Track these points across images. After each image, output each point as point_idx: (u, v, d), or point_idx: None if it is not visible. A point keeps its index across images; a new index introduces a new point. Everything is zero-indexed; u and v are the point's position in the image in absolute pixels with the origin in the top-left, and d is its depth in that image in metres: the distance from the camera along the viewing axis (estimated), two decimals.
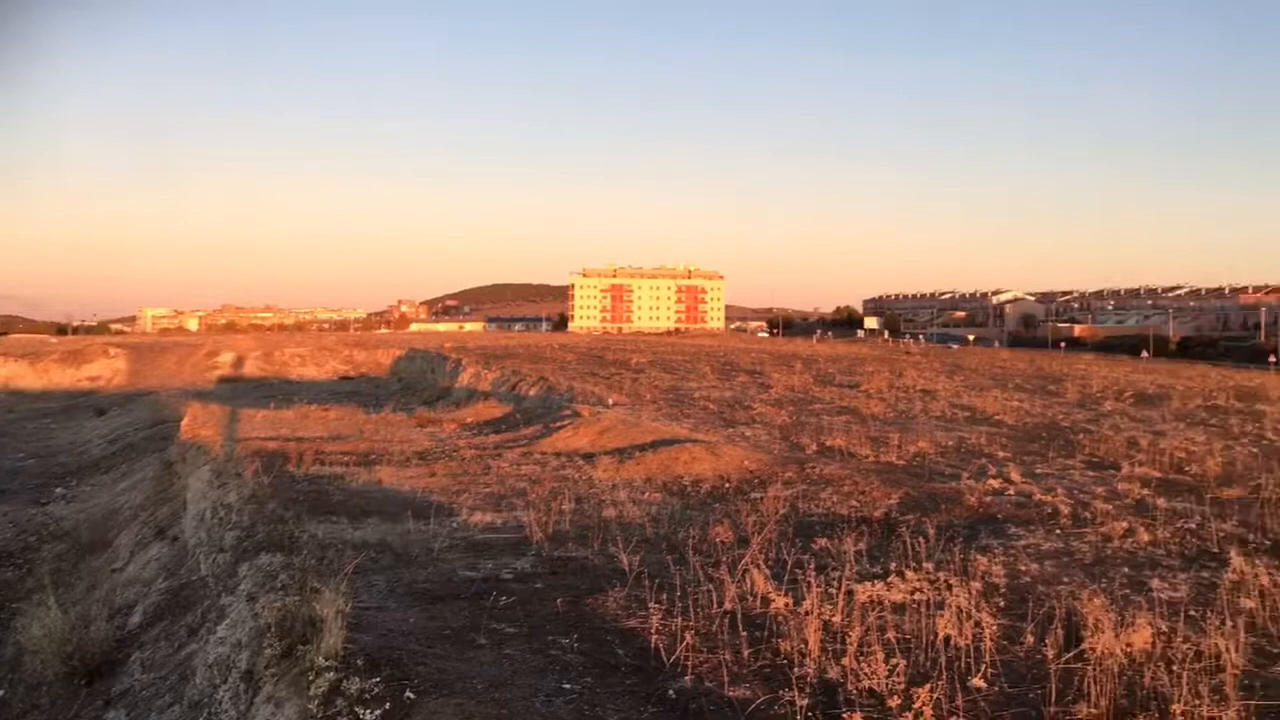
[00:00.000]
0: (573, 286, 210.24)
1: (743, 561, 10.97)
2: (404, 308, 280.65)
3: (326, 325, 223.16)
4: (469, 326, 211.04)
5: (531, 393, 42.36)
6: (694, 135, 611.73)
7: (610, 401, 34.00)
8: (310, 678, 7.57)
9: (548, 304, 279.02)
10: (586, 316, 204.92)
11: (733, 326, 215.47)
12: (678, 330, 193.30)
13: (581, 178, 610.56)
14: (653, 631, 8.86)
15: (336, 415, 36.84)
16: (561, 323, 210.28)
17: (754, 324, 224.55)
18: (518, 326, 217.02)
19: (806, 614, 9.07)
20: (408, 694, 7.17)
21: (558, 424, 27.15)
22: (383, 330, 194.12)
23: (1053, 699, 7.50)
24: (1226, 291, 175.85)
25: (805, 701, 7.26)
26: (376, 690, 7.21)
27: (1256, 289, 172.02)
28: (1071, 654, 8.35)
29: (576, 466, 20.40)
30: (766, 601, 9.88)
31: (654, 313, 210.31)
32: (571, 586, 10.83)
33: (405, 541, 13.10)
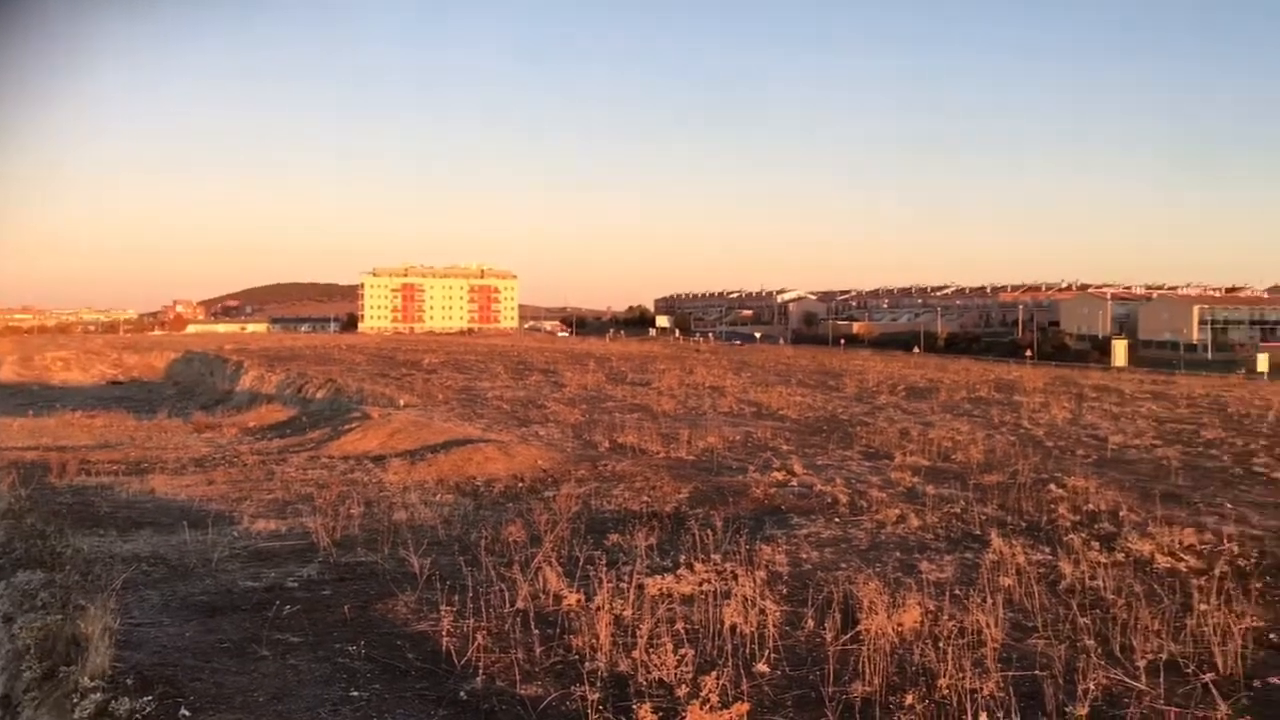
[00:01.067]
0: (362, 286, 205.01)
1: (535, 560, 10.99)
2: (180, 308, 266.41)
3: (93, 327, 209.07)
4: (252, 328, 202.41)
5: (319, 395, 41.10)
6: (487, 132, 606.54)
7: (401, 403, 33.36)
8: (75, 700, 7.10)
9: (336, 304, 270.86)
10: (377, 317, 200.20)
11: (526, 326, 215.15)
12: (471, 330, 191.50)
13: (371, 174, 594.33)
14: (444, 634, 8.75)
15: (104, 422, 34.70)
16: (351, 323, 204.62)
17: (549, 323, 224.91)
18: (304, 328, 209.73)
19: (598, 609, 9.15)
20: (183, 711, 6.83)
21: (346, 426, 26.45)
22: (156, 332, 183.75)
23: (830, 679, 7.84)
24: (989, 290, 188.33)
25: (596, 696, 7.33)
26: (148, 709, 6.84)
27: (1014, 288, 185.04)
28: (848, 636, 8.75)
29: (366, 469, 19.92)
30: (559, 599, 9.92)
31: (447, 312, 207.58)
32: (360, 592, 10.57)
33: (181, 553, 12.47)
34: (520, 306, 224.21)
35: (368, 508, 15.53)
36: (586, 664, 8.03)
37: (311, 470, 20.14)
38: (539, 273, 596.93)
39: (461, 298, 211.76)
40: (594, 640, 8.47)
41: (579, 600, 9.76)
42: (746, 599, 9.52)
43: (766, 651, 8.47)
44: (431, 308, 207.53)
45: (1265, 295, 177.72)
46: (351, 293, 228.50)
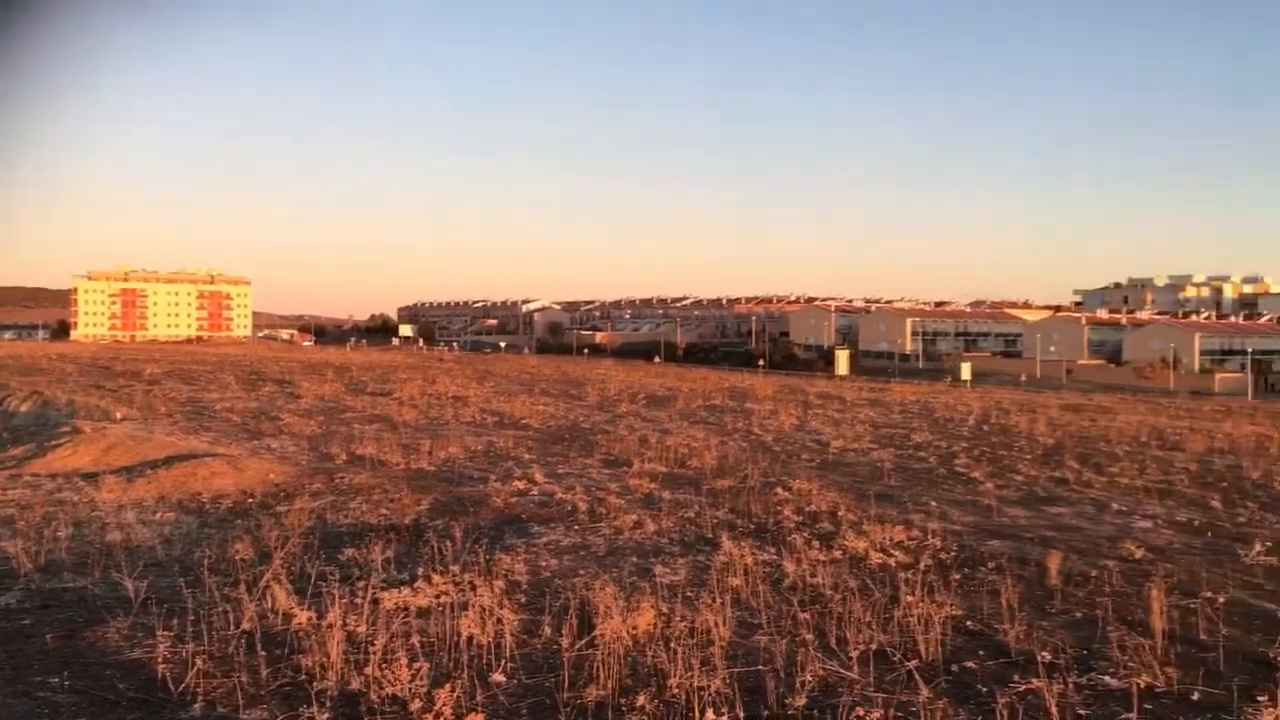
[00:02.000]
0: (76, 291, 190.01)
1: (264, 578, 10.54)
2: None
3: None
4: None
5: (22, 408, 37.78)
6: (215, 129, 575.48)
7: (118, 416, 31.18)
8: None
9: (45, 310, 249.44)
10: (93, 324, 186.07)
11: (261, 335, 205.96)
12: (200, 339, 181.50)
13: (84, 168, 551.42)
14: (160, 661, 8.25)
15: None
16: (62, 331, 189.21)
17: (286, 332, 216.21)
18: (7, 335, 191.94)
19: (330, 627, 8.89)
20: None
21: (54, 442, 24.43)
22: None
23: (565, 685, 7.94)
24: (724, 302, 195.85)
25: (326, 716, 7.14)
26: None
27: (748, 300, 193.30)
28: (584, 641, 8.89)
29: (77, 488, 18.48)
30: (289, 618, 9.55)
31: (172, 320, 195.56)
32: (66, 620, 9.80)
33: None
34: (255, 314, 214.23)
35: (77, 529, 14.43)
36: (316, 684, 7.79)
37: (12, 490, 18.47)
38: (275, 279, 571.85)
39: (189, 304, 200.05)
40: (325, 659, 8.22)
41: (310, 618, 9.43)
42: (484, 609, 9.50)
43: (503, 661, 8.48)
44: (155, 315, 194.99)
45: (968, 309, 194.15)
46: (63, 298, 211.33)
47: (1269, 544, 14.43)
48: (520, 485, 18.30)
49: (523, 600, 10.55)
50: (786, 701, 7.74)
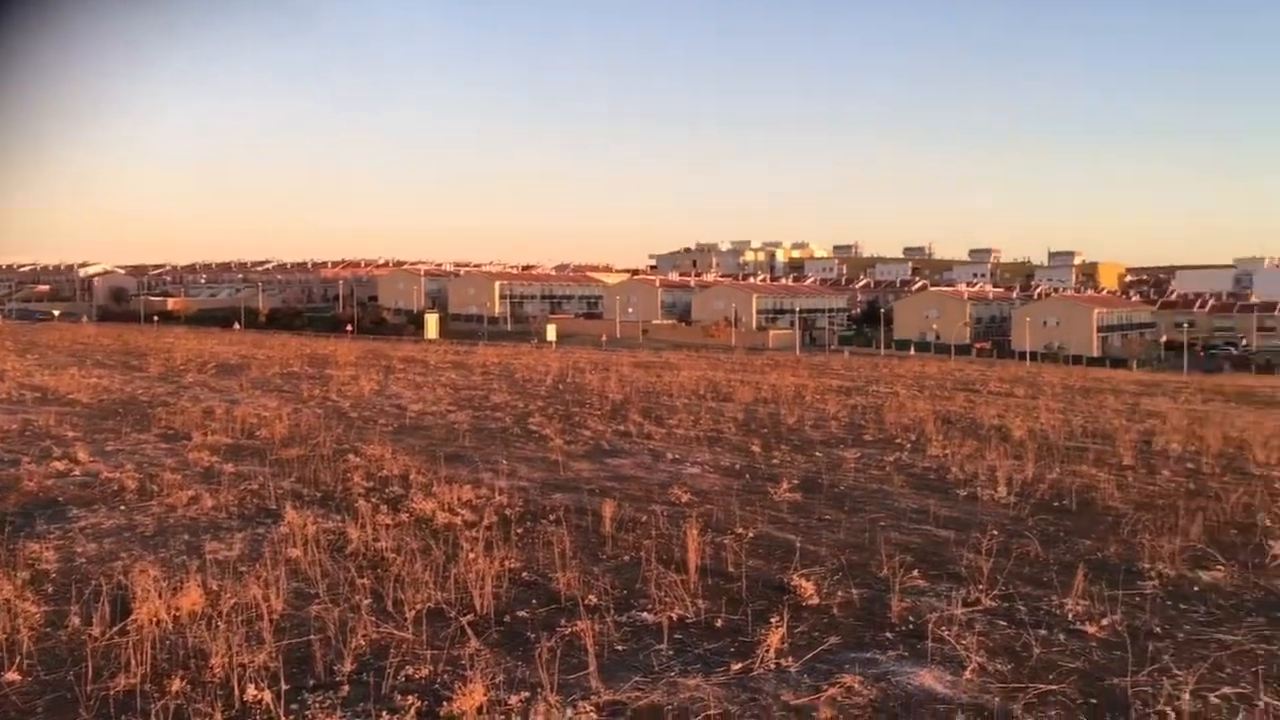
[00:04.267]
0: None
1: None
2: None
3: None
4: None
5: None
6: None
7: None
8: None
9: None
10: None
11: None
12: None
13: None
14: None
15: None
16: None
17: None
18: None
19: None
20: None
21: None
22: None
23: (90, 677, 7.38)
24: (310, 266, 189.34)
25: None
26: None
27: (335, 264, 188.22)
28: (117, 629, 8.29)
29: None
30: None
31: None
32: None
33: None
34: None
35: None
36: None
37: None
38: None
39: None
40: None
41: None
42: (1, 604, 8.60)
43: (18, 658, 7.73)
44: None
45: (554, 273, 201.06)
46: None
47: (795, 482, 16.20)
48: (59, 466, 16.64)
49: (50, 591, 9.64)
50: (335, 668, 7.67)
